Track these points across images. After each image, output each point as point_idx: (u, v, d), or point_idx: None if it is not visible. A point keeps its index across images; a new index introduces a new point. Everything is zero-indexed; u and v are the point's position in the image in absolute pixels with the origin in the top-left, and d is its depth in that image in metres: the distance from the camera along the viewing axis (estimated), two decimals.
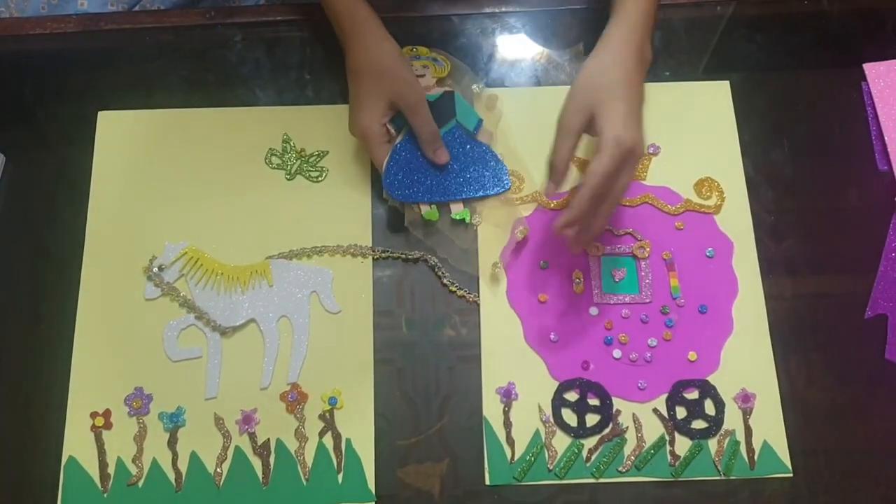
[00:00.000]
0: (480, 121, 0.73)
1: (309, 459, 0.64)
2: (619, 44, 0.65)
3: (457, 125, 0.72)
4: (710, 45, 0.80)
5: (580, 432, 0.65)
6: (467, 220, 0.70)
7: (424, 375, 0.67)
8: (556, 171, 0.64)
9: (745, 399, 0.66)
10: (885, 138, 0.75)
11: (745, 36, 0.80)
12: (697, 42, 0.80)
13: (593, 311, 0.68)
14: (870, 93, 0.77)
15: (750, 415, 0.66)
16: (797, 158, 0.75)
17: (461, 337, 0.68)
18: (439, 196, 0.70)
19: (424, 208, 0.70)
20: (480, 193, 0.71)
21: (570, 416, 0.66)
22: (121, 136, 0.75)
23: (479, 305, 0.69)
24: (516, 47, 0.80)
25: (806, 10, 0.81)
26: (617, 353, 0.67)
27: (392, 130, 0.70)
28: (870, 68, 0.78)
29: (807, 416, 0.66)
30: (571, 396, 0.66)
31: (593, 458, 0.64)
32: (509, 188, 0.71)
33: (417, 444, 0.65)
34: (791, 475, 0.64)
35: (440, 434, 0.65)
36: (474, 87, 0.74)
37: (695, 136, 0.75)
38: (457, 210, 0.71)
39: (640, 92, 0.64)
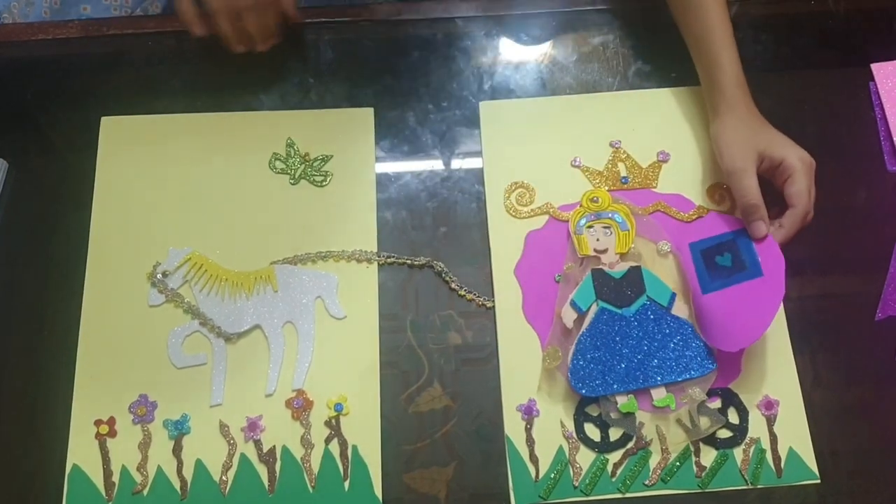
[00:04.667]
0: (674, 294, 0.67)
1: (315, 467, 0.64)
2: (739, 101, 0.69)
3: (649, 301, 0.66)
4: None
5: (604, 447, 0.64)
6: (672, 406, 0.64)
7: (429, 380, 0.66)
8: (757, 208, 0.65)
9: (769, 406, 0.65)
10: (894, 138, 0.74)
11: (751, 37, 0.80)
12: None
13: None
14: (878, 93, 0.76)
15: (774, 422, 0.65)
16: None
17: (466, 341, 0.68)
18: (636, 383, 0.64)
19: (621, 400, 0.64)
20: (683, 377, 0.64)
21: (592, 431, 0.65)
22: (124, 142, 0.74)
23: (486, 309, 0.68)
24: (521, 50, 0.79)
25: (813, 11, 0.81)
26: None
27: (575, 312, 0.66)
28: (878, 68, 0.77)
29: (831, 421, 0.65)
30: (593, 410, 0.65)
31: (619, 472, 0.63)
32: (715, 368, 0.64)
33: (423, 448, 0.64)
34: (819, 481, 0.63)
35: (446, 438, 0.65)
36: (662, 244, 0.69)
37: (704, 142, 0.74)
38: (659, 397, 0.64)
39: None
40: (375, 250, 0.70)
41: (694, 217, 0.71)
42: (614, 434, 0.64)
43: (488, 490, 0.63)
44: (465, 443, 0.65)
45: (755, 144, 0.66)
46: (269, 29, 0.75)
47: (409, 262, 0.70)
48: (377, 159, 0.74)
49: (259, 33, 0.74)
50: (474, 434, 0.65)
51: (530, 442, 0.64)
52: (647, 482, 0.63)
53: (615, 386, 0.64)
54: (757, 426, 0.65)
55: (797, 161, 0.65)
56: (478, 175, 0.74)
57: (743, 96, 0.69)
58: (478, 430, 0.65)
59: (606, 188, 0.72)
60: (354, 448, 0.64)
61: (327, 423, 0.65)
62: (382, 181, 0.73)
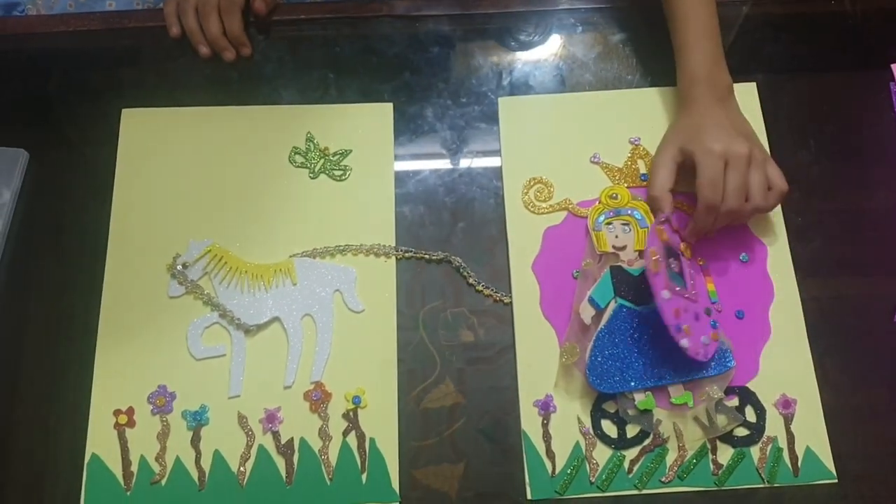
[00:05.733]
0: None
1: (333, 459, 0.64)
2: (693, 100, 0.69)
3: None
4: (736, 46, 0.79)
5: (621, 443, 0.64)
6: (690, 403, 0.64)
7: (441, 377, 0.66)
8: (655, 199, 0.68)
9: (786, 405, 0.65)
10: None
11: (771, 37, 0.80)
12: (723, 43, 0.79)
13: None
14: None
15: (791, 420, 0.65)
16: (825, 159, 0.74)
17: (479, 339, 0.68)
18: (654, 380, 0.64)
19: (639, 397, 0.64)
20: (701, 374, 0.64)
21: (609, 428, 0.65)
22: (144, 134, 0.75)
23: (504, 304, 0.68)
24: (540, 46, 0.80)
25: (833, 11, 0.81)
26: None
27: (593, 309, 0.66)
28: None
29: (848, 421, 0.65)
30: (610, 407, 0.65)
31: (635, 469, 0.63)
32: (733, 366, 0.64)
33: (433, 445, 0.64)
34: (836, 480, 0.63)
35: (456, 435, 0.65)
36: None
37: None
38: (677, 394, 0.64)
39: (724, 114, 0.68)
40: (394, 245, 0.71)
41: None
42: (631, 431, 0.64)
43: (499, 487, 0.63)
44: (475, 440, 0.65)
45: (680, 140, 0.68)
46: (233, 33, 0.77)
47: (426, 256, 0.70)
48: (396, 154, 0.74)
49: (219, 38, 0.77)
50: (485, 431, 0.65)
51: (547, 437, 0.64)
52: (663, 479, 0.63)
53: (633, 383, 0.64)
54: (774, 425, 0.65)
55: (701, 153, 0.65)
56: (496, 171, 0.74)
57: (701, 94, 0.69)
58: (488, 427, 0.65)
59: (625, 185, 0.72)
60: (372, 441, 0.64)
61: (345, 416, 0.65)
62: (401, 176, 0.74)
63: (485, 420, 0.65)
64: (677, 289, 0.65)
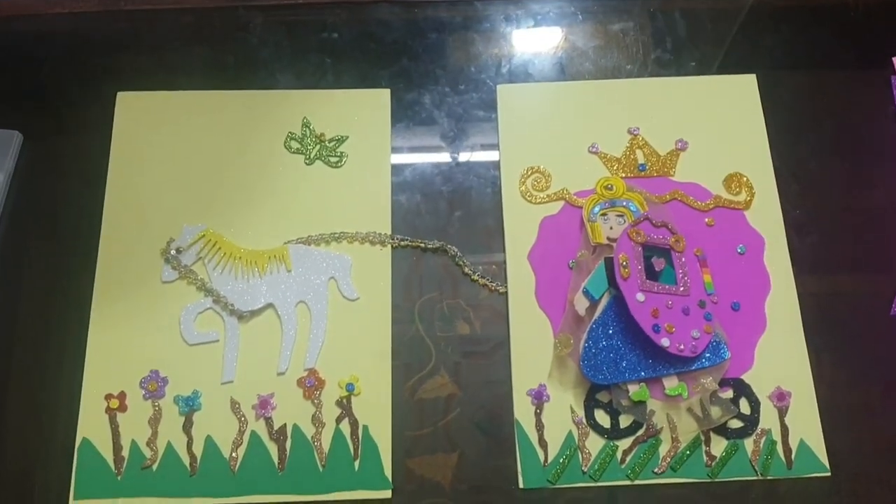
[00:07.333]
0: None
1: (325, 445, 0.64)
2: None
3: None
4: (736, 38, 0.79)
5: (614, 434, 0.64)
6: (685, 395, 0.63)
7: (436, 368, 0.66)
8: None
9: (781, 397, 0.65)
10: None
11: (771, 29, 0.79)
12: (724, 35, 0.79)
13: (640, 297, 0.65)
14: None
15: (786, 413, 0.65)
16: (824, 152, 0.74)
17: (474, 331, 0.67)
18: (648, 371, 0.64)
19: (633, 388, 0.64)
20: (696, 366, 0.64)
21: (602, 418, 0.64)
22: (139, 118, 0.74)
23: (499, 295, 0.68)
24: (540, 34, 0.79)
25: (834, 3, 0.80)
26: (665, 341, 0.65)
27: (587, 300, 0.65)
28: None
29: (843, 414, 0.65)
30: (604, 397, 0.65)
31: (628, 459, 0.63)
32: (728, 358, 0.64)
33: (427, 435, 0.64)
34: (829, 474, 0.63)
35: (450, 426, 0.64)
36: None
37: (722, 131, 0.73)
38: (671, 385, 0.64)
39: None
40: (389, 233, 0.70)
41: (711, 206, 0.71)
42: (624, 421, 0.64)
43: (492, 478, 0.63)
44: (469, 431, 0.64)
45: None
46: None
47: (422, 245, 0.70)
48: (393, 141, 0.74)
49: None
50: (479, 423, 0.65)
51: (540, 427, 0.64)
52: (656, 470, 0.63)
53: (627, 374, 0.64)
54: (768, 417, 0.64)
55: None
56: (494, 159, 0.73)
57: None
58: (483, 419, 0.65)
59: (623, 175, 0.72)
60: (365, 428, 0.64)
61: (338, 403, 0.65)
62: (397, 164, 0.73)
63: (480, 412, 0.65)
64: (666, 287, 0.65)
